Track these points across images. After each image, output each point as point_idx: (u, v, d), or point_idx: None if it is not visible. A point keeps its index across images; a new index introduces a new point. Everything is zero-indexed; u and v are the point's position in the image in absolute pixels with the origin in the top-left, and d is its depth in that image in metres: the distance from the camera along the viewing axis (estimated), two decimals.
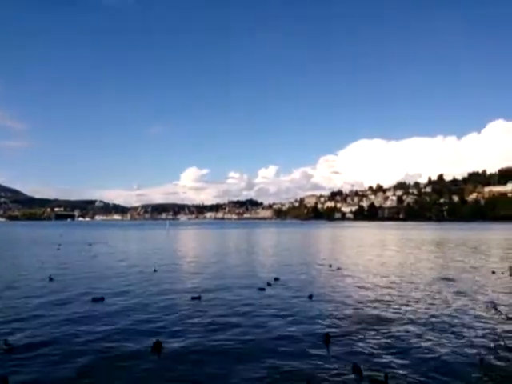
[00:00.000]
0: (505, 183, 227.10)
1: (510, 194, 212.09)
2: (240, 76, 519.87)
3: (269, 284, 22.26)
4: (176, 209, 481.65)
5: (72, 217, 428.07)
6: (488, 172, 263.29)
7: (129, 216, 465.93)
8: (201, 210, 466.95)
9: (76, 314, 15.89)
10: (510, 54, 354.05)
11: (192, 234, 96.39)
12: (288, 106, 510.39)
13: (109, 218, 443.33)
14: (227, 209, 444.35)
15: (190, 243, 63.54)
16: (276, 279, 23.67)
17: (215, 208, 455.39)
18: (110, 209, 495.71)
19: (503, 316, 4.07)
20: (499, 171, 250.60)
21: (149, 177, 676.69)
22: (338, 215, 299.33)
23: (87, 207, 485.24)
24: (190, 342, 12.49)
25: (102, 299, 18.45)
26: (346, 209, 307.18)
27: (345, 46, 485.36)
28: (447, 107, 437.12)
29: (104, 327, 14.01)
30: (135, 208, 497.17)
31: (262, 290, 20.87)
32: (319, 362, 10.69)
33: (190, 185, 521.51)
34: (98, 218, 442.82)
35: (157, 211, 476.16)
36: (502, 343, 4.10)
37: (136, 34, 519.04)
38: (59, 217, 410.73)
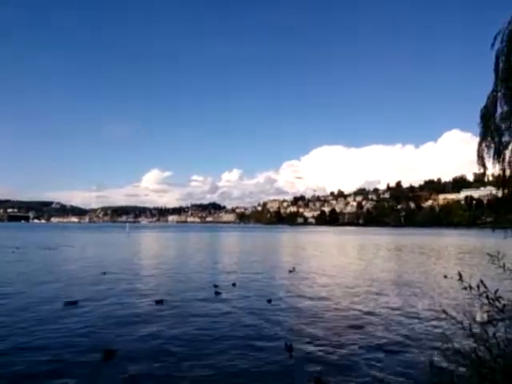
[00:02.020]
0: (458, 191, 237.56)
1: (462, 202, 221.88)
2: (205, 77, 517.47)
3: (226, 288, 21.96)
4: (137, 212, 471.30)
5: (26, 218, 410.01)
6: (443, 180, 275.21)
7: (87, 218, 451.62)
8: (163, 213, 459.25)
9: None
10: (465, 69, 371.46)
11: (153, 238, 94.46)
12: (253, 109, 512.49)
13: (66, 220, 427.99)
14: (190, 212, 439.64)
15: (149, 247, 62.15)
16: (234, 284, 23.35)
17: (178, 211, 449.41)
18: (67, 211, 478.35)
19: (452, 320, 4.12)
20: (453, 179, 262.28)
21: (109, 178, 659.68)
22: (300, 220, 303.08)
23: (43, 209, 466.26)
24: (142, 347, 12.03)
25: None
26: (308, 214, 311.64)
27: (313, 50, 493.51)
28: (406, 116, 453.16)
29: (56, 333, 13.29)
30: (94, 210, 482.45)
31: (219, 294, 20.56)
32: (280, 374, 10.31)
33: (152, 187, 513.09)
34: (54, 220, 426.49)
35: (117, 214, 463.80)
36: (451, 346, 4.12)
37: (87, 32, 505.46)
38: (12, 218, 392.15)
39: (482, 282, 3.88)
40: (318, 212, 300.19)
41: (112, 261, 36.54)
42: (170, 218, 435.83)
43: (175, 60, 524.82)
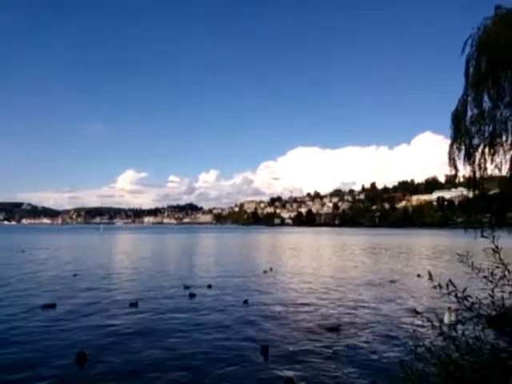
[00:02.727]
0: (430, 192, 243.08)
1: (434, 203, 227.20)
2: (181, 78, 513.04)
3: (201, 290, 21.77)
4: (112, 213, 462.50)
5: None
6: (416, 181, 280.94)
7: (60, 220, 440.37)
8: (138, 214, 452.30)
9: None
10: (438, 71, 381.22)
11: (127, 239, 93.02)
12: (230, 110, 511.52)
13: (37, 221, 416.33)
14: (166, 213, 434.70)
15: (124, 249, 61.10)
16: (209, 286, 23.13)
17: (154, 212, 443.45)
18: (38, 212, 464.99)
19: (423, 318, 4.21)
20: (426, 181, 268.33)
21: (83, 179, 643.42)
22: (277, 221, 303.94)
23: (13, 210, 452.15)
24: (115, 350, 11.79)
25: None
26: (285, 215, 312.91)
27: (289, 51, 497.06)
28: (380, 118, 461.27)
29: (28, 337, 12.88)
30: (67, 211, 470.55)
31: (193, 296, 20.36)
32: (256, 377, 10.23)
33: (127, 188, 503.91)
34: (25, 221, 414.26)
35: (90, 215, 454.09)
36: (421, 344, 4.20)
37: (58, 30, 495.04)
38: None
39: (450, 281, 3.95)
40: (295, 213, 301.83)
41: (84, 263, 35.78)
42: (146, 219, 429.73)
43: (151, 60, 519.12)
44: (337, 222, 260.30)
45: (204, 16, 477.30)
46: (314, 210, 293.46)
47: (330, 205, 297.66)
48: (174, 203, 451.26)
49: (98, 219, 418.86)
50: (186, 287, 22.57)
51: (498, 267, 4.01)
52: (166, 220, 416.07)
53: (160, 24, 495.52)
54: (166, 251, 54.53)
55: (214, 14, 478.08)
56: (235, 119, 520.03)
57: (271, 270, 30.88)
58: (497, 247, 4.04)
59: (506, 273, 4.02)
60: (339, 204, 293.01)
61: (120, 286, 23.81)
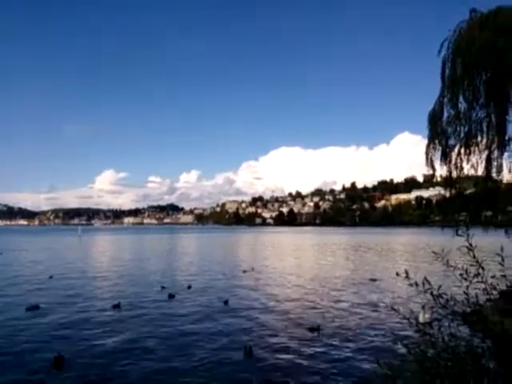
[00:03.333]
0: (409, 191, 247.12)
1: (413, 202, 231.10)
2: (161, 77, 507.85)
3: (181, 290, 21.58)
4: (90, 214, 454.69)
5: None
6: (395, 181, 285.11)
7: (37, 221, 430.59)
8: (118, 214, 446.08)
9: None
10: (417, 72, 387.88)
11: (107, 241, 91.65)
12: (211, 110, 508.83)
13: (13, 223, 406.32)
14: (147, 214, 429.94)
15: (103, 250, 60.15)
16: (189, 287, 22.89)
17: (134, 213, 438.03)
18: (14, 213, 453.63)
19: (400, 316, 4.27)
20: (405, 180, 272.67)
21: (61, 179, 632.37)
22: (258, 220, 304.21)
23: None
24: (94, 354, 11.59)
25: None
26: (266, 214, 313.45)
27: (272, 50, 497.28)
28: (360, 119, 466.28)
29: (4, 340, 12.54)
30: (44, 212, 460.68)
31: (172, 297, 20.18)
32: (240, 378, 10.17)
33: (106, 188, 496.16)
34: (0, 223, 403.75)
35: (69, 216, 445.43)
36: (399, 341, 4.29)
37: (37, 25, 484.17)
38: None
39: (425, 278, 4.02)
40: (277, 212, 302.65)
41: (61, 265, 35.09)
42: (126, 219, 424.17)
43: (126, 58, 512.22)
44: (318, 221, 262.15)
45: (183, 15, 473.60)
46: (295, 210, 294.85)
47: (311, 204, 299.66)
48: (155, 203, 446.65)
49: (76, 220, 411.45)
50: (163, 287, 22.53)
51: (472, 265, 4.09)
52: (146, 220, 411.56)
53: (138, 20, 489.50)
54: (146, 252, 53.92)
55: (195, 15, 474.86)
56: (217, 119, 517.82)
57: (253, 269, 30.95)
58: (471, 245, 4.13)
59: (480, 270, 4.11)
60: (320, 203, 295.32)
61: (97, 288, 23.44)
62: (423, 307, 12.28)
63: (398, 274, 27.93)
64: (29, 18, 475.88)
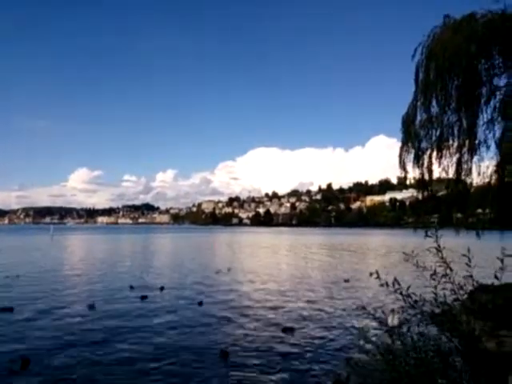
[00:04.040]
0: (383, 193, 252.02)
1: (387, 203, 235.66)
2: (137, 73, 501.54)
3: (153, 292, 21.23)
4: (63, 212, 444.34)
5: None
6: (370, 182, 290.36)
7: (6, 220, 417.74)
8: (91, 214, 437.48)
9: None
10: (392, 75, 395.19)
11: (79, 240, 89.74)
12: (188, 109, 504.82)
13: None
14: (121, 213, 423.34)
15: (75, 250, 58.82)
16: (162, 288, 22.39)
17: (108, 212, 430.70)
18: None
19: (370, 315, 4.35)
20: (379, 182, 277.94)
21: (33, 177, 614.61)
22: (235, 221, 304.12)
23: None
24: (62, 356, 11.29)
25: None
26: (243, 215, 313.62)
27: (250, 50, 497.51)
28: (337, 121, 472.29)
29: None
30: (14, 211, 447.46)
31: (145, 298, 19.87)
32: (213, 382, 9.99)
33: (79, 187, 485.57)
34: None
35: (40, 215, 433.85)
36: (369, 340, 4.36)
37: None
38: None
39: (395, 279, 4.09)
40: (253, 213, 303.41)
41: (30, 264, 34.11)
42: (100, 219, 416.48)
43: (104, 54, 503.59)
44: (294, 221, 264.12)
45: (156, 12, 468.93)
46: (271, 210, 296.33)
47: (288, 205, 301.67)
48: (130, 203, 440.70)
49: (47, 219, 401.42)
50: (131, 287, 22.38)
51: (440, 266, 4.18)
52: (121, 220, 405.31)
53: (107, 16, 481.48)
54: (120, 252, 53.03)
55: (168, 12, 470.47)
56: (194, 118, 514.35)
57: (229, 270, 30.91)
58: (439, 246, 4.22)
59: (448, 271, 4.21)
60: (297, 204, 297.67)
61: (68, 288, 22.88)
62: (392, 311, 12.50)
63: (371, 275, 28.44)
64: None
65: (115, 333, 13.91)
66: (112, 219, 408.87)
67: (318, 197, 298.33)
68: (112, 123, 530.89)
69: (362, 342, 4.37)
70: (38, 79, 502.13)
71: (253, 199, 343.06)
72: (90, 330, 14.14)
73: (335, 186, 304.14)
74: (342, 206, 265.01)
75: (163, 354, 11.84)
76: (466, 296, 4.47)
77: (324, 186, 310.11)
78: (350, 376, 3.83)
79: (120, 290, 22.28)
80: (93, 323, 15.12)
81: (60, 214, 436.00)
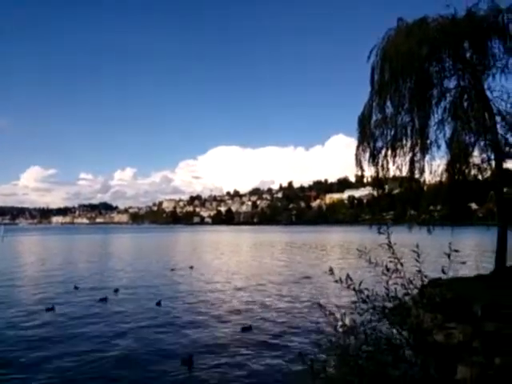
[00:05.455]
0: (342, 191, 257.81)
1: (346, 201, 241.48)
2: (96, 71, 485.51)
3: (109, 294, 20.53)
4: (15, 212, 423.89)
5: None
6: (329, 181, 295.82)
7: None
8: (45, 213, 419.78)
9: None
10: (348, 75, 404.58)
11: (33, 242, 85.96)
12: (147, 107, 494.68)
13: None
14: (77, 213, 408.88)
15: (27, 252, 56.17)
16: (116, 290, 21.61)
17: (63, 212, 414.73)
18: None
19: (326, 312, 4.43)
20: (338, 180, 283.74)
21: None
22: (196, 220, 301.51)
23: None
24: (16, 362, 10.78)
25: None
26: (204, 213, 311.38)
27: (213, 48, 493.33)
28: (298, 119, 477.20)
29: None
30: None
31: (103, 300, 19.31)
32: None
33: (32, 185, 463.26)
34: None
35: None
36: (324, 336, 4.44)
37: None
38: None
39: (348, 275, 4.16)
40: (215, 211, 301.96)
41: None
42: (54, 219, 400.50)
43: (49, 52, 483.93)
44: (255, 220, 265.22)
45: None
46: (233, 209, 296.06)
47: (249, 203, 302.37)
48: (87, 202, 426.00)
49: None
50: (76, 287, 22.09)
51: (391, 261, 4.30)
52: (77, 220, 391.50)
53: (68, 12, 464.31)
54: (75, 254, 51.20)
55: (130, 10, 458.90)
56: (154, 115, 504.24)
57: (192, 267, 31.07)
58: (390, 242, 4.34)
59: (399, 266, 4.32)
60: (258, 202, 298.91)
61: (22, 291, 21.87)
62: (344, 314, 12.80)
63: (331, 272, 29.05)
64: None
65: (72, 337, 13.41)
66: (68, 219, 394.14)
67: (280, 195, 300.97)
68: (67, 121, 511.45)
69: (316, 338, 4.42)
70: None
71: (214, 198, 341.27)
72: (41, 334, 13.56)
73: (296, 185, 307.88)
74: (302, 204, 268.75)
75: (120, 361, 11.31)
76: (417, 290, 4.62)
77: (285, 185, 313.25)
78: (303, 372, 3.87)
79: (75, 292, 21.53)
80: (42, 327, 14.52)
81: (11, 214, 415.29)
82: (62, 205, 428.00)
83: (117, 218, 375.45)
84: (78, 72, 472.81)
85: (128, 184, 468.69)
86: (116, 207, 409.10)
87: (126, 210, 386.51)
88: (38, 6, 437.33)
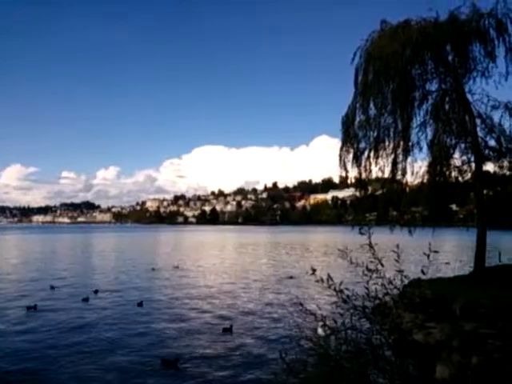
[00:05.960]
0: (327, 192, 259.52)
1: (330, 202, 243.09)
2: (80, 68, 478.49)
3: (90, 295, 20.20)
4: None
5: None
6: (314, 181, 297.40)
7: None
8: (26, 212, 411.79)
9: None
10: (335, 76, 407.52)
11: (12, 241, 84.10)
12: (131, 105, 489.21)
13: None
14: (59, 212, 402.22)
15: (8, 251, 54.97)
16: (96, 291, 21.18)
17: (44, 211, 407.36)
18: None
19: (307, 312, 4.44)
20: (322, 181, 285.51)
21: None
22: (180, 219, 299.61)
23: None
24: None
25: None
26: (188, 213, 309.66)
27: (196, 50, 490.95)
28: (283, 120, 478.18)
29: None
30: None
31: (86, 300, 19.05)
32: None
33: (13, 184, 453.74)
34: None
35: None
36: (304, 334, 4.44)
37: None
38: None
39: (329, 275, 4.16)
40: (199, 211, 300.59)
41: None
42: (35, 218, 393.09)
43: (27, 51, 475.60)
44: (240, 220, 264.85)
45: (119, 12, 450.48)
46: (217, 209, 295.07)
47: (234, 203, 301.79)
48: (68, 201, 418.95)
49: None
50: (52, 287, 21.85)
51: (372, 262, 4.31)
52: (58, 219, 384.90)
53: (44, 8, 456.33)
54: (55, 253, 50.30)
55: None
56: (139, 114, 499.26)
57: (178, 267, 31.17)
58: (371, 243, 4.35)
59: (379, 266, 4.34)
60: (242, 203, 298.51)
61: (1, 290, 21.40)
62: (325, 316, 12.85)
63: (314, 272, 29.18)
64: None
65: (48, 339, 13.16)
66: (49, 218, 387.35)
67: (264, 195, 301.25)
68: (48, 119, 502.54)
69: (297, 338, 4.41)
70: None
71: (198, 197, 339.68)
72: (21, 337, 13.28)
73: (281, 185, 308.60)
74: (287, 204, 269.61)
75: (101, 363, 11.12)
76: (399, 291, 4.65)
77: (270, 185, 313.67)
78: (283, 372, 3.85)
79: (52, 292, 21.16)
80: (20, 331, 14.23)
81: None
82: (43, 204, 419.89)
83: (99, 217, 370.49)
84: (60, 69, 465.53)
85: (111, 183, 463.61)
86: (99, 206, 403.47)
87: (108, 210, 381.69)
88: None
